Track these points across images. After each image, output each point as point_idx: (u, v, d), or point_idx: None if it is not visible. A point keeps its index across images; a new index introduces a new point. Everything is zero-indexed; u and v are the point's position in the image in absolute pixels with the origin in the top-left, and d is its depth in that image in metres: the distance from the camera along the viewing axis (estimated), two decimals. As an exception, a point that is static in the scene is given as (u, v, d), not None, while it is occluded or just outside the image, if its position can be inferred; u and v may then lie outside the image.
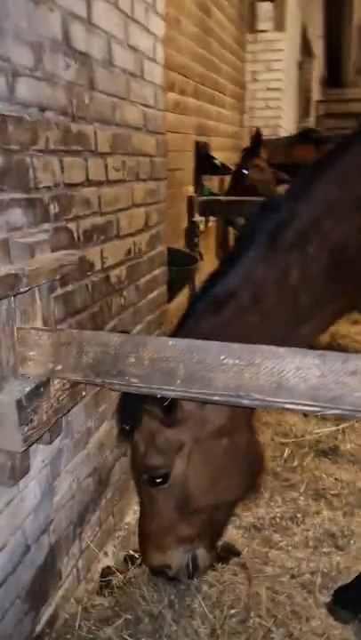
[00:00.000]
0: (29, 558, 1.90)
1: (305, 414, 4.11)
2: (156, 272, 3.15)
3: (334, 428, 3.82)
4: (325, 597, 2.38)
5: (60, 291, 2.00)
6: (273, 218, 1.90)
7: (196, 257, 4.19)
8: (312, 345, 1.81)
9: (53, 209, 1.94)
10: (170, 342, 1.52)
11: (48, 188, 1.90)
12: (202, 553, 2.05)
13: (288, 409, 1.44)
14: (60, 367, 1.63)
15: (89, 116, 2.20)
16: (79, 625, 2.07)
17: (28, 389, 1.58)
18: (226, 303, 1.85)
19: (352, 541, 2.78)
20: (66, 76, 2.00)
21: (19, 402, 1.53)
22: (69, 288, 2.09)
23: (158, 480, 1.88)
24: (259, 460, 2.03)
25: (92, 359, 1.59)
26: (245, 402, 1.48)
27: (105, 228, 2.40)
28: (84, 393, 1.88)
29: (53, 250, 1.88)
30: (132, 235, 2.73)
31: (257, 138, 5.92)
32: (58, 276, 1.78)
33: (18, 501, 1.81)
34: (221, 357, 1.47)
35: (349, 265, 1.90)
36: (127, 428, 1.90)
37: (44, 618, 2.01)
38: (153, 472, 1.88)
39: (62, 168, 2.00)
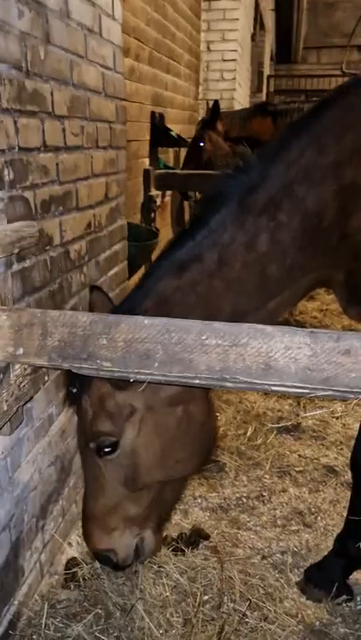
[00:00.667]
0: (-11, 558, 1.75)
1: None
2: (117, 247, 2.98)
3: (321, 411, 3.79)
4: (296, 577, 2.36)
5: (16, 267, 1.81)
6: (243, 180, 1.78)
7: (156, 232, 4.03)
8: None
9: (8, 175, 1.74)
10: (146, 321, 1.39)
11: (1, 151, 1.70)
12: (149, 536, 1.91)
13: (276, 392, 1.35)
14: (21, 351, 1.46)
15: (45, 74, 1.99)
16: (45, 623, 1.95)
17: (-15, 376, 1.41)
18: (189, 265, 1.72)
19: (319, 518, 2.78)
20: (19, 25, 1.78)
21: (-24, 391, 1.36)
22: (27, 264, 1.90)
23: (106, 449, 1.74)
24: (212, 433, 1.93)
25: (57, 341, 1.43)
26: (230, 385, 1.37)
27: (64, 198, 2.21)
28: (46, 377, 1.73)
29: (9, 221, 1.69)
30: (91, 207, 2.54)
31: (215, 109, 5.75)
32: (16, 250, 1.60)
33: (-24, 498, 1.65)
34: (203, 337, 1.35)
35: (324, 234, 1.81)
36: (75, 391, 1.76)
37: (7, 618, 1.88)
38: (101, 440, 1.73)
39: (17, 129, 1.79)
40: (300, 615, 2.15)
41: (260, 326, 1.33)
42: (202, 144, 5.72)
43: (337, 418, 3.78)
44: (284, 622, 2.10)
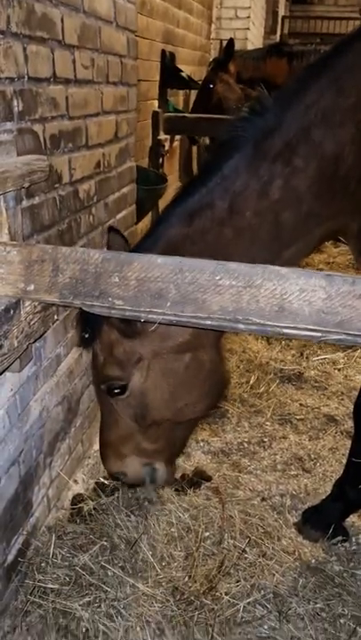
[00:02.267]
0: (-1, 490, 1.80)
1: (268, 340, 4.11)
2: (126, 190, 2.91)
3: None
4: (295, 518, 2.43)
5: (25, 203, 1.78)
6: (259, 124, 1.70)
7: (164, 177, 3.93)
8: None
9: (17, 106, 1.67)
10: (159, 260, 1.37)
11: (10, 79, 1.63)
12: (160, 467, 2.03)
13: (288, 335, 1.34)
14: (32, 287, 1.45)
15: (55, -3, 1.88)
16: (53, 553, 2.03)
17: (-4, 312, 1.40)
18: (201, 212, 1.68)
19: (318, 464, 2.84)
20: None
21: (-13, 325, 1.36)
22: (36, 201, 1.86)
23: (116, 391, 1.82)
24: (222, 380, 1.95)
25: (69, 278, 1.41)
26: (242, 327, 1.36)
27: (73, 134, 2.14)
28: (56, 317, 1.72)
29: (19, 154, 1.63)
30: (101, 145, 2.47)
31: (229, 47, 5.49)
32: (26, 184, 1.56)
33: (-14, 432, 1.68)
34: (217, 278, 1.33)
35: (341, 180, 1.75)
36: (87, 336, 1.82)
37: (16, 547, 1.95)
38: (111, 383, 1.82)
39: (26, 57, 1.71)
40: (296, 553, 2.23)
41: (276, 268, 1.31)
42: (212, 86, 5.50)
43: (339, 369, 3.81)
44: (282, 559, 2.18)
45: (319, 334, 1.31)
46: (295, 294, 1.28)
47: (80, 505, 2.32)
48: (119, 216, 2.84)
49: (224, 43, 5.78)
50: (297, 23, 16.41)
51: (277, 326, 1.30)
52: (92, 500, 2.34)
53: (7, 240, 1.52)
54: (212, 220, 1.68)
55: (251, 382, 3.54)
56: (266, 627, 1.92)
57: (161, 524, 2.25)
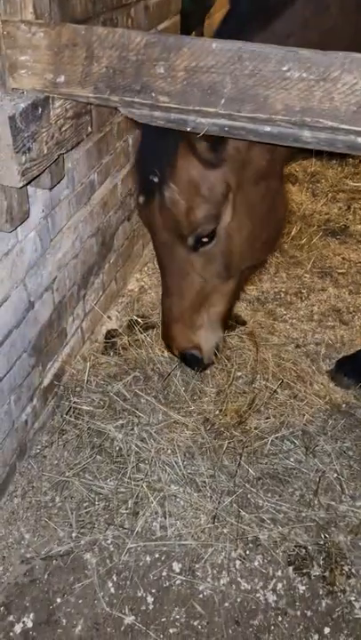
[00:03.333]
0: (33, 315, 1.76)
1: (314, 192, 3.82)
2: (169, -7, 2.48)
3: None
4: (328, 366, 2.40)
5: (53, -15, 1.48)
6: None
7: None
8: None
9: None
10: (213, 45, 1.12)
11: None
12: (220, 337, 1.91)
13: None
14: (62, 79, 1.24)
15: None
16: (88, 379, 2.06)
17: (22, 106, 1.21)
18: (280, 13, 1.39)
19: (356, 317, 2.75)
20: None
21: (12, 120, 1.18)
22: (66, -16, 1.56)
23: (205, 240, 1.59)
24: (285, 215, 1.81)
25: (105, 68, 1.19)
26: (308, 134, 1.15)
27: None
28: (90, 129, 1.52)
29: None
30: None
31: None
32: None
33: (17, 252, 1.59)
34: (285, 68, 1.09)
35: None
36: (155, 179, 1.52)
37: (51, 372, 1.98)
38: (202, 228, 1.57)
39: None
40: (327, 397, 2.23)
41: (359, 56, 1.06)
42: None
43: (389, 225, 3.56)
44: (313, 401, 2.18)
45: None
46: (380, 90, 1.05)
47: (114, 339, 2.32)
48: (161, 26, 2.45)
49: None
50: None
51: (353, 130, 1.08)
52: (127, 336, 2.33)
53: (32, 19, 1.27)
54: (293, 21, 1.40)
55: (292, 233, 3.35)
56: (292, 459, 1.97)
57: (194, 361, 2.24)
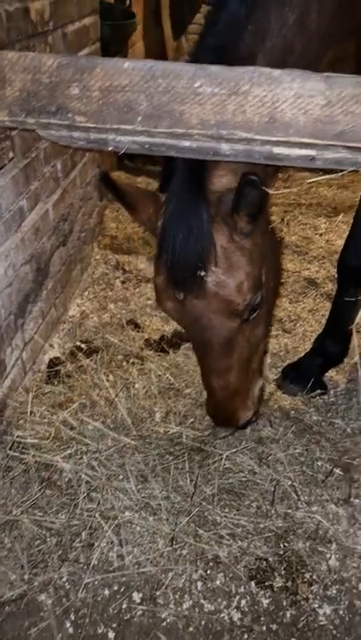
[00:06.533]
0: (-33, 349, 1.69)
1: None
2: (87, 21, 2.51)
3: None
4: (274, 375, 2.43)
5: None
6: None
7: (132, 13, 3.44)
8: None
9: None
10: (126, 64, 1.14)
11: None
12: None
13: (279, 155, 1.16)
14: (-24, 105, 1.21)
15: None
16: (31, 411, 1.99)
17: None
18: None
19: (298, 325, 2.81)
20: None
21: None
22: (-24, 12, 1.54)
23: (256, 307, 1.57)
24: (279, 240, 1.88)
25: (19, 91, 1.18)
26: (225, 147, 1.18)
27: None
28: (11, 154, 1.49)
29: None
30: None
31: None
32: None
33: None
34: (197, 85, 1.12)
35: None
36: (202, 272, 1.45)
37: (-8, 407, 1.90)
38: (254, 298, 1.54)
39: None
40: (276, 405, 2.25)
41: (267, 70, 1.10)
42: None
43: (320, 235, 3.69)
44: (262, 410, 2.19)
45: (314, 152, 1.14)
46: (289, 101, 1.09)
47: (57, 367, 2.26)
48: (81, 54, 2.47)
49: None
50: None
51: (268, 141, 1.11)
52: (71, 363, 2.28)
53: None
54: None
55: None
56: (246, 471, 1.96)
57: (141, 381, 2.22)
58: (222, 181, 1.45)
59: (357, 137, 1.07)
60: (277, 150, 1.15)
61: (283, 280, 3.12)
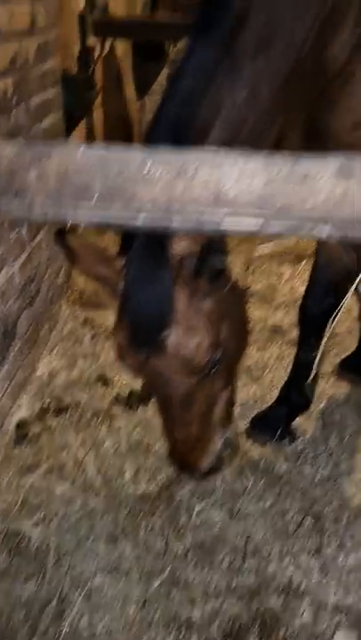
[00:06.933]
0: None
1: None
2: (50, 93, 2.64)
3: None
4: (244, 425, 2.46)
5: None
6: (222, 18, 1.50)
7: (94, 82, 3.62)
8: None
9: None
10: (81, 150, 1.22)
11: None
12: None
13: (227, 228, 1.25)
14: None
15: None
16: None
17: None
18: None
19: (266, 372, 2.87)
20: None
21: None
22: None
23: (215, 361, 1.60)
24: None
25: (-20, 176, 1.25)
26: (177, 223, 1.25)
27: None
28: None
29: None
30: (16, 36, 2.18)
31: None
32: None
33: None
34: (146, 169, 1.20)
35: (303, 66, 1.61)
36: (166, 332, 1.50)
37: None
38: (215, 354, 1.58)
39: None
40: (245, 457, 2.28)
41: (210, 153, 1.19)
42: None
43: (285, 281, 3.82)
44: (232, 462, 2.22)
45: (259, 226, 1.23)
46: (233, 180, 1.18)
47: (25, 429, 2.26)
48: (45, 123, 2.59)
49: None
50: None
51: (215, 216, 1.19)
52: (39, 422, 2.28)
53: None
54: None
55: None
56: (217, 527, 1.97)
57: (110, 440, 2.22)
58: (183, 245, 1.52)
59: (298, 210, 1.16)
60: (225, 225, 1.23)
61: (250, 329, 3.21)
